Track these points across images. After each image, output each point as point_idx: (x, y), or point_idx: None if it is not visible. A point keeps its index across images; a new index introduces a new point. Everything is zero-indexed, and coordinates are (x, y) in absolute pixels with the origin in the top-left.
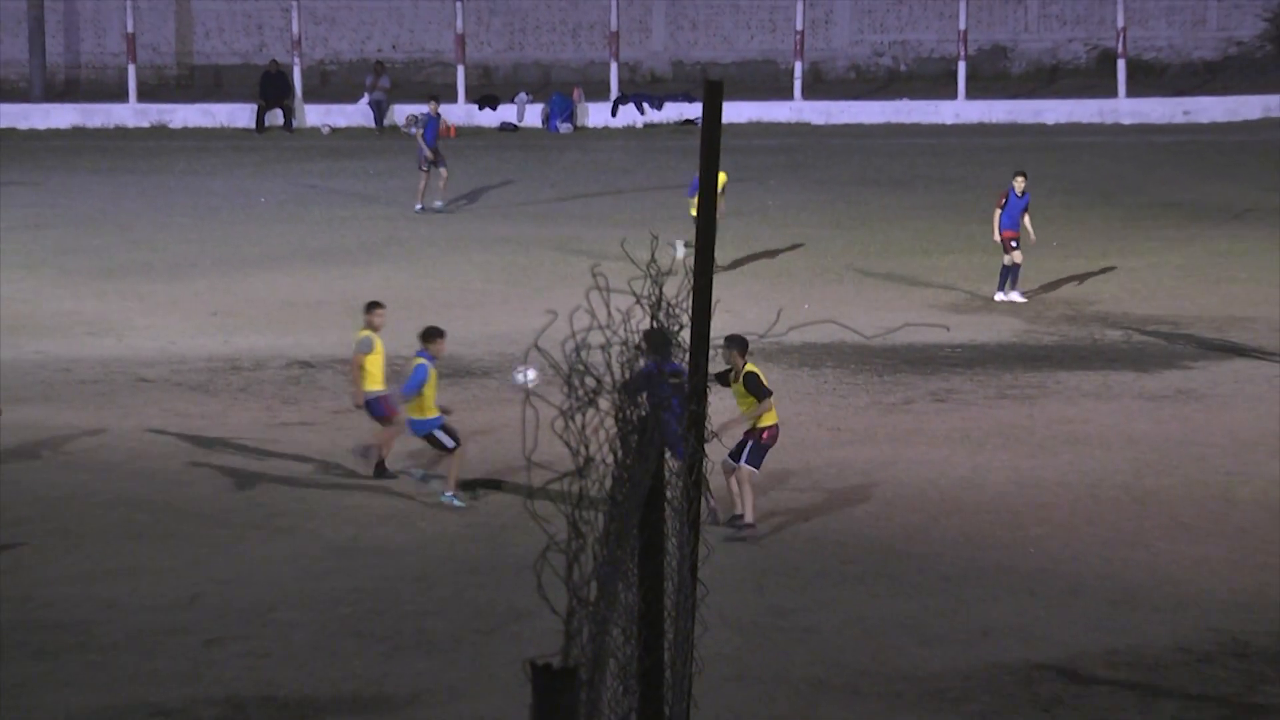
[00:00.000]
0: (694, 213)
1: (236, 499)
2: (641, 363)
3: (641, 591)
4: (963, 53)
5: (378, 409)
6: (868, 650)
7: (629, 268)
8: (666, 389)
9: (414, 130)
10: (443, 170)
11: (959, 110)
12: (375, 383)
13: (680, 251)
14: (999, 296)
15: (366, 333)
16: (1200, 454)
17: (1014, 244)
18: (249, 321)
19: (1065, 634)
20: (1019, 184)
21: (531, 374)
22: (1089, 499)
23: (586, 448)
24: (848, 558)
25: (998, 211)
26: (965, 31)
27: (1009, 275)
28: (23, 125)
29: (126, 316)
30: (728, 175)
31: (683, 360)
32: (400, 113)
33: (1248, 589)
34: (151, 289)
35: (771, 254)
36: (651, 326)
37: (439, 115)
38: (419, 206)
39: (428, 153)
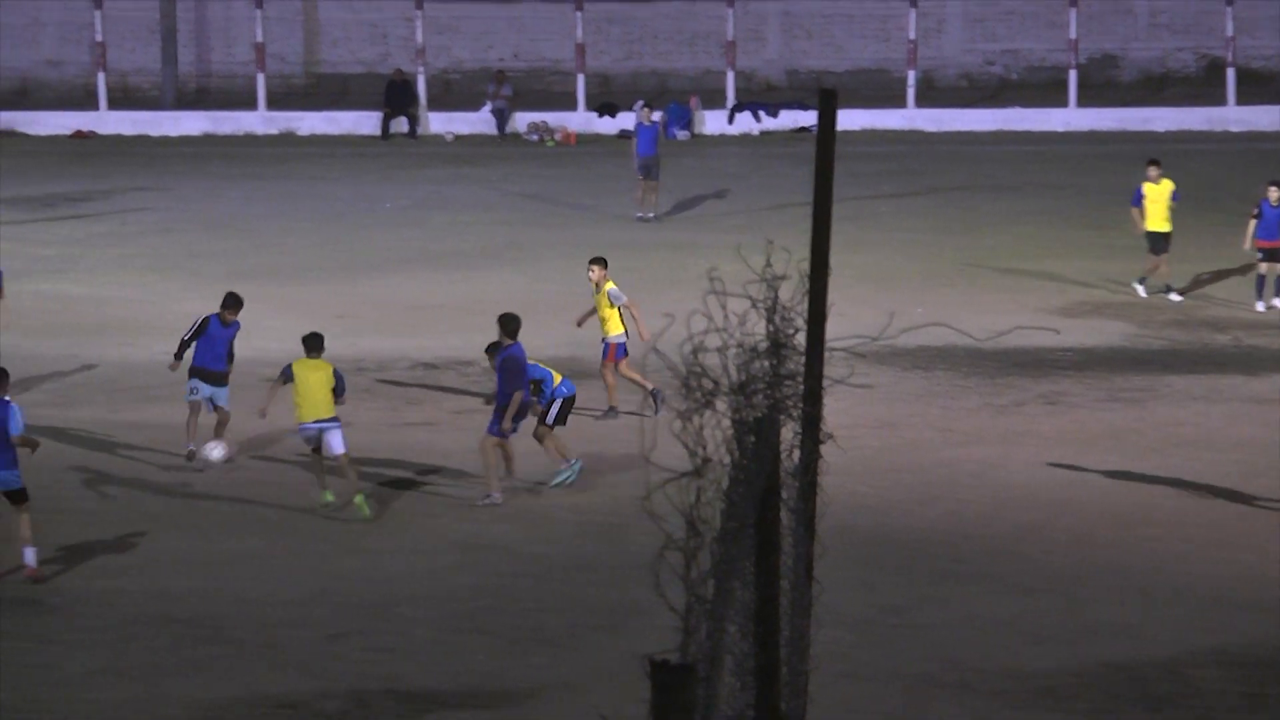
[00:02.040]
0: (1148, 225)
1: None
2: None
3: (757, 589)
4: (1073, 61)
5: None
6: (978, 648)
7: (745, 272)
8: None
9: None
10: (655, 183)
11: (1069, 118)
12: (615, 327)
13: (1174, 297)
14: (1260, 307)
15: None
16: None
17: (1267, 254)
18: (373, 324)
19: (1174, 634)
20: (1273, 194)
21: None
22: (1197, 501)
23: (704, 448)
24: (959, 556)
25: (1252, 223)
26: (1076, 40)
27: (1262, 285)
28: (154, 132)
29: (254, 319)
30: (1173, 182)
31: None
32: (521, 120)
33: None
34: (278, 292)
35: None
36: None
37: (653, 121)
38: (639, 215)
39: (643, 159)
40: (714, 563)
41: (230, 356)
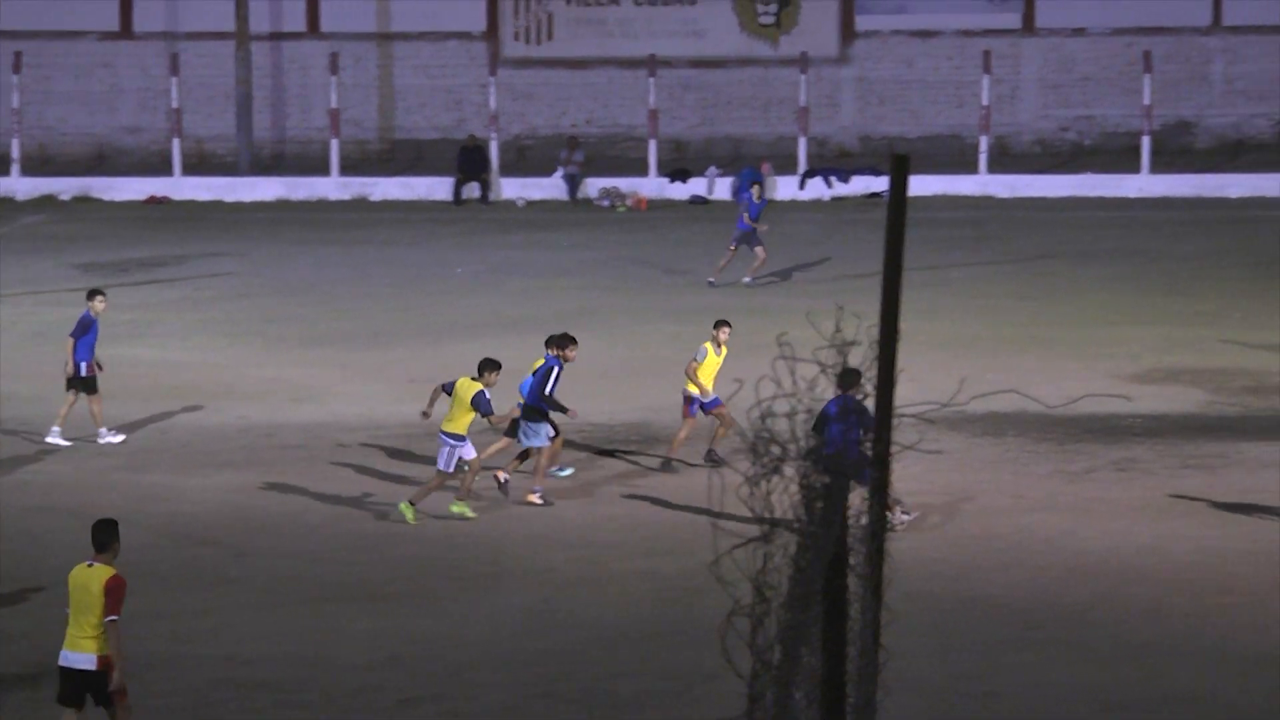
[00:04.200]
0: None
1: (433, 560)
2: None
3: (825, 656)
4: (1147, 128)
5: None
6: (1053, 716)
7: (815, 337)
8: (855, 420)
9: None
10: (759, 250)
11: (1143, 184)
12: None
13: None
14: None
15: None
16: None
17: None
18: None
19: (1250, 703)
20: None
21: None
22: (1272, 570)
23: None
24: (1031, 623)
25: None
26: (1150, 106)
27: None
28: (229, 198)
29: (328, 383)
30: None
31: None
32: (593, 186)
33: None
34: (353, 357)
35: None
36: (844, 367)
37: (760, 186)
38: (711, 280)
39: (749, 225)
40: (781, 629)
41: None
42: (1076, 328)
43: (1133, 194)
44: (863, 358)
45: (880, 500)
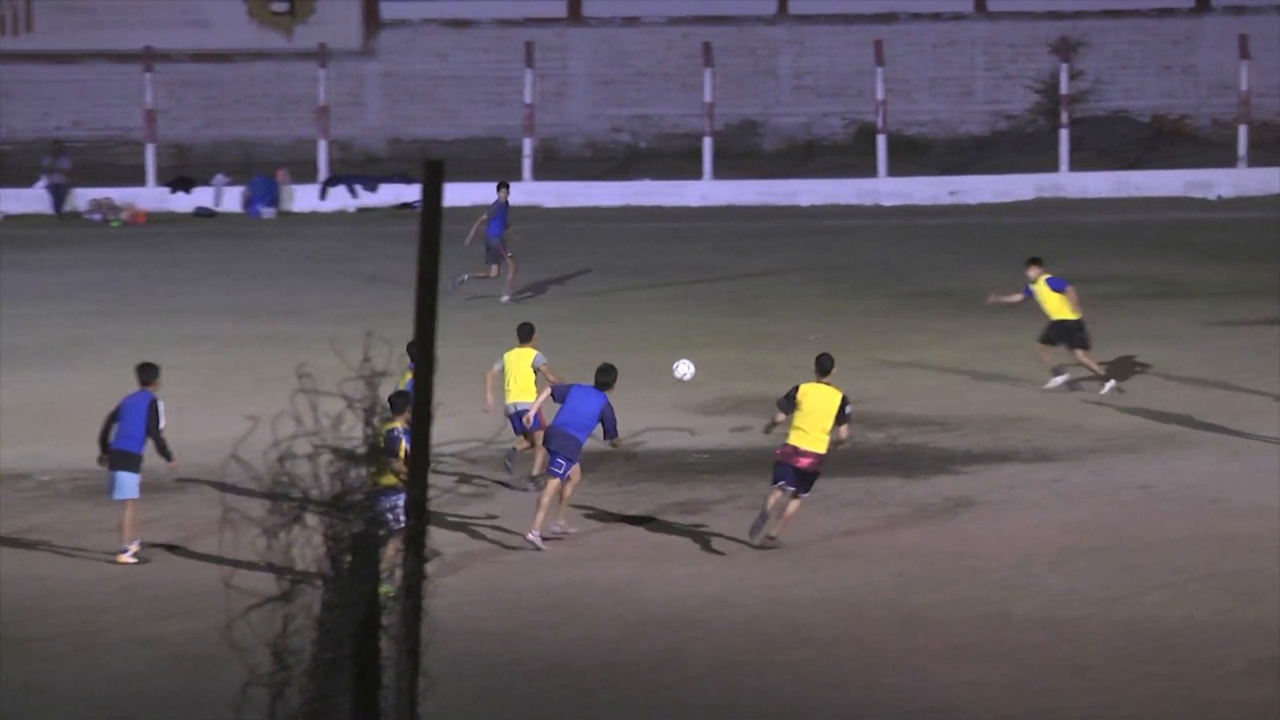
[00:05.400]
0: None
1: None
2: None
3: None
4: (708, 128)
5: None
6: None
7: (341, 368)
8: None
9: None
10: (494, 268)
11: (705, 191)
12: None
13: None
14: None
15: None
16: (974, 567)
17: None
18: None
19: None
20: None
21: (687, 368)
22: (852, 619)
23: (293, 569)
24: (588, 687)
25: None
26: (712, 105)
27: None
28: None
29: None
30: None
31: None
32: (82, 198)
33: (1028, 715)
34: None
35: None
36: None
37: (508, 203)
38: (505, 298)
39: (496, 243)
40: (305, 699)
41: None
42: (636, 353)
43: (694, 202)
44: (395, 389)
45: (418, 551)
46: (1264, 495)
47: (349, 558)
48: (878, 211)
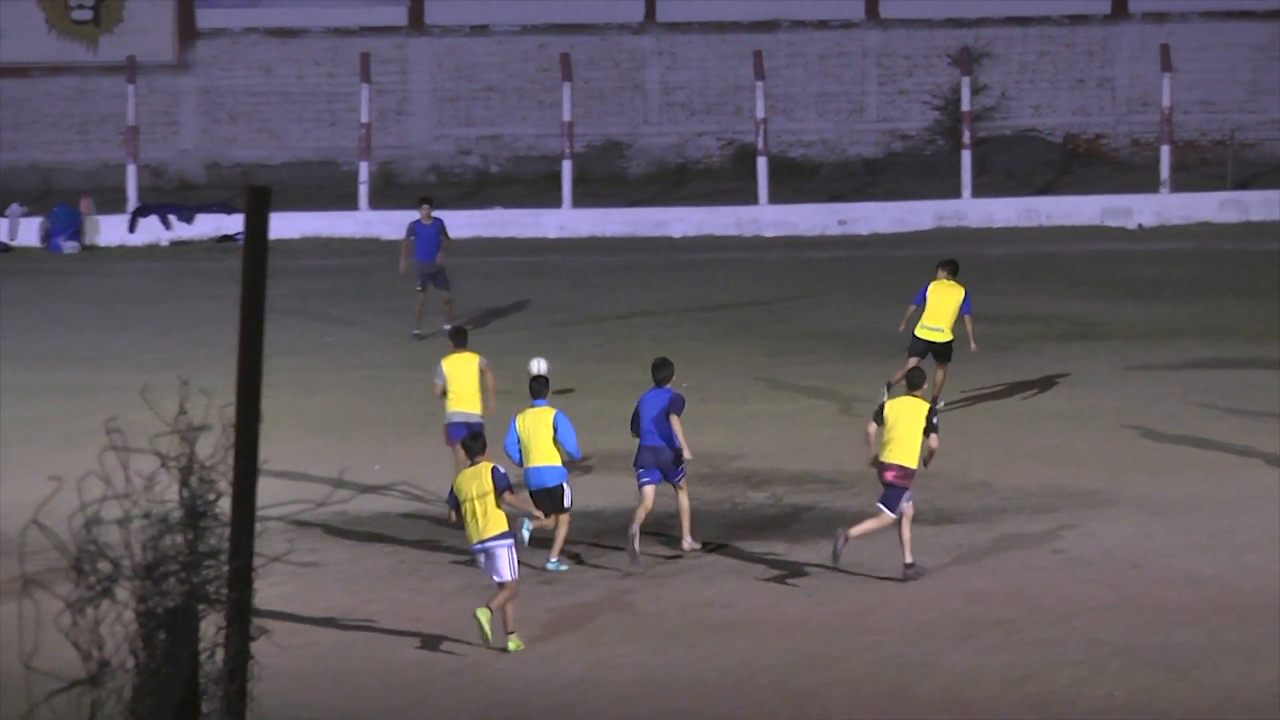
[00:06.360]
0: (922, 332)
1: None
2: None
3: None
4: (568, 149)
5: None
6: None
7: (154, 422)
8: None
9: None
10: (445, 293)
11: (565, 221)
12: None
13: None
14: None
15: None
16: (869, 642)
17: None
18: None
19: None
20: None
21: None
22: (733, 702)
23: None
24: None
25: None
26: (571, 124)
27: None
28: None
29: None
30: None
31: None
32: None
33: None
34: None
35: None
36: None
37: (434, 219)
38: (416, 332)
39: (425, 267)
40: None
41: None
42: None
43: (553, 233)
44: (215, 447)
45: (241, 629)
46: (1191, 560)
47: (164, 636)
48: (758, 243)
